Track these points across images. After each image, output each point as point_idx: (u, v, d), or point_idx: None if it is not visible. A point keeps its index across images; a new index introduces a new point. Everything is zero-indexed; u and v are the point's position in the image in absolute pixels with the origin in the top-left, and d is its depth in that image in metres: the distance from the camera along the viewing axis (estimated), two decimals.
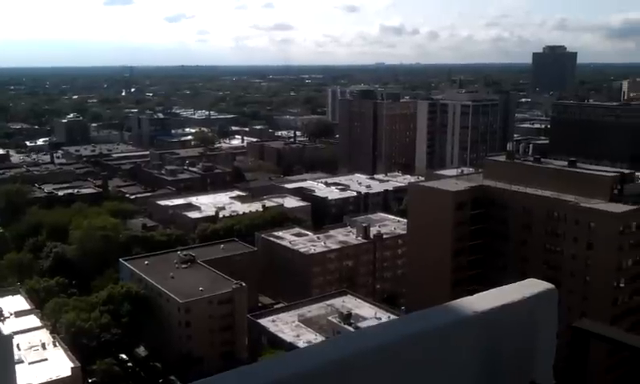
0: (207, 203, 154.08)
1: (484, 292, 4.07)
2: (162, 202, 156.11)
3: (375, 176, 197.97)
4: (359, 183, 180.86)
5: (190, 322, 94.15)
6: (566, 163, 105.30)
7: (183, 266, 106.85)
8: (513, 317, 3.91)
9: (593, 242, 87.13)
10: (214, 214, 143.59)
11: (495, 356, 3.80)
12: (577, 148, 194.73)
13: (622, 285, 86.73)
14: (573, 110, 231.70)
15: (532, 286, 4.16)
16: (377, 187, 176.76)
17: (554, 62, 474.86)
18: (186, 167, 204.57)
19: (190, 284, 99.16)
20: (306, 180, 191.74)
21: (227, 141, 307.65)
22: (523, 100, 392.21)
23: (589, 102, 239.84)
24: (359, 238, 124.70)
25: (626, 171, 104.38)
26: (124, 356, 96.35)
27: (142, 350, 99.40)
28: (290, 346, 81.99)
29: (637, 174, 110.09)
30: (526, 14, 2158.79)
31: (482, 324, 3.74)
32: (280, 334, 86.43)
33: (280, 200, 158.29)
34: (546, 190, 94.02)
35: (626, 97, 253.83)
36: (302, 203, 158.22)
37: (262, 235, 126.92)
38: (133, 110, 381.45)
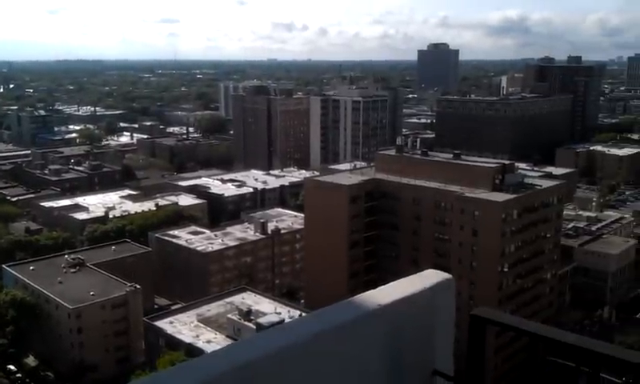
0: (96, 203, 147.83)
1: (386, 285, 4.14)
2: (47, 204, 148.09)
3: (271, 172, 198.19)
4: (255, 179, 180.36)
5: (82, 329, 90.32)
6: (451, 156, 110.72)
7: (72, 270, 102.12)
8: (414, 308, 3.98)
9: (478, 229, 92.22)
10: (103, 214, 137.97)
11: (399, 347, 3.85)
12: (461, 141, 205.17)
13: (505, 269, 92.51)
14: (456, 105, 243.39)
15: (431, 277, 4.26)
16: (273, 183, 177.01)
17: (437, 59, 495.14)
18: (71, 166, 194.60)
19: (80, 289, 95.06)
20: (200, 177, 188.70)
21: (115, 138, 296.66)
22: (410, 96, 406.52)
23: (471, 98, 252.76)
24: (257, 234, 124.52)
25: (507, 162, 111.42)
26: (12, 367, 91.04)
27: (31, 360, 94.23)
28: (189, 347, 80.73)
29: (516, 164, 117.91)
30: (410, 11, 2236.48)
31: (386, 317, 3.77)
32: (178, 336, 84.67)
33: (174, 198, 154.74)
34: (434, 182, 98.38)
35: (505, 92, 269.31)
36: (197, 201, 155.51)
37: (156, 235, 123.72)
38: (12, 108, 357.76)
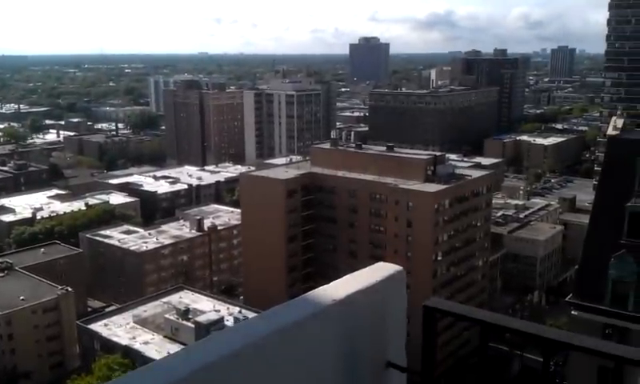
0: (22, 204, 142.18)
1: (339, 279, 4.12)
2: None
3: (206, 167, 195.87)
4: (189, 175, 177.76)
5: (13, 335, 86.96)
6: (384, 148, 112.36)
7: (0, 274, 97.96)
8: (367, 301, 3.98)
9: (412, 220, 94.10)
10: (30, 215, 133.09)
11: (354, 341, 3.87)
12: (393, 133, 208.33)
13: (439, 258, 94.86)
14: (388, 98, 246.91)
15: (382, 269, 4.26)
16: (208, 179, 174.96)
17: (369, 53, 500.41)
18: None
19: (9, 294, 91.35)
20: (132, 174, 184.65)
21: (41, 136, 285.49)
22: (343, 89, 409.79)
23: (402, 91, 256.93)
24: (193, 232, 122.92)
25: (438, 153, 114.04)
26: None
27: None
28: (126, 349, 79.05)
29: (447, 155, 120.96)
30: (341, 4, 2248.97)
31: (340, 311, 3.77)
32: (114, 338, 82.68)
33: (105, 197, 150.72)
34: (368, 174, 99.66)
35: (434, 84, 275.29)
36: (129, 199, 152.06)
37: (87, 235, 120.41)
38: None
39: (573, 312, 39.08)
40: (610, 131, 43.21)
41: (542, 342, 3.23)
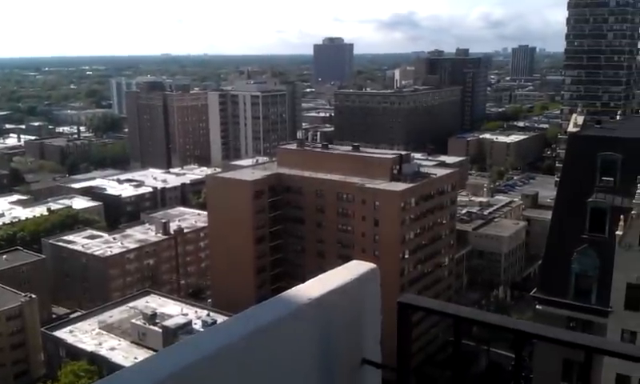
0: None
1: (314, 278, 4.08)
2: None
3: (171, 170, 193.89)
4: (154, 178, 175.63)
5: None
6: (350, 148, 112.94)
7: None
8: (343, 299, 3.98)
9: (379, 219, 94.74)
10: None
11: (330, 340, 3.87)
12: (359, 133, 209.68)
13: (406, 256, 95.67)
14: (353, 98, 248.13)
15: (356, 267, 4.26)
16: (173, 181, 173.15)
17: (333, 53, 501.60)
18: None
19: None
20: (95, 178, 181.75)
21: (1, 140, 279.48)
22: (308, 90, 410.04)
23: (367, 91, 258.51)
24: (159, 235, 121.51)
25: (403, 152, 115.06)
26: None
27: None
28: (92, 356, 77.80)
29: (412, 154, 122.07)
30: (305, 5, 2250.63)
31: (316, 310, 3.75)
32: (80, 345, 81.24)
33: (68, 201, 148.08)
34: (335, 174, 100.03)
35: (398, 84, 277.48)
36: (92, 203, 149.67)
37: (50, 241, 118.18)
38: None
39: (537, 306, 39.86)
40: (571, 128, 44.21)
41: (516, 335, 3.31)
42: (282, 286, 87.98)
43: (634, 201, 35.92)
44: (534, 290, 41.30)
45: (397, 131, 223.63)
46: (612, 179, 38.72)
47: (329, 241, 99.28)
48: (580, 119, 44.81)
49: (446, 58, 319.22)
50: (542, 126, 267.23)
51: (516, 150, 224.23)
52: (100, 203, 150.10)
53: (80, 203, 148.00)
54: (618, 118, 58.71)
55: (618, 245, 35.79)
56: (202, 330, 64.32)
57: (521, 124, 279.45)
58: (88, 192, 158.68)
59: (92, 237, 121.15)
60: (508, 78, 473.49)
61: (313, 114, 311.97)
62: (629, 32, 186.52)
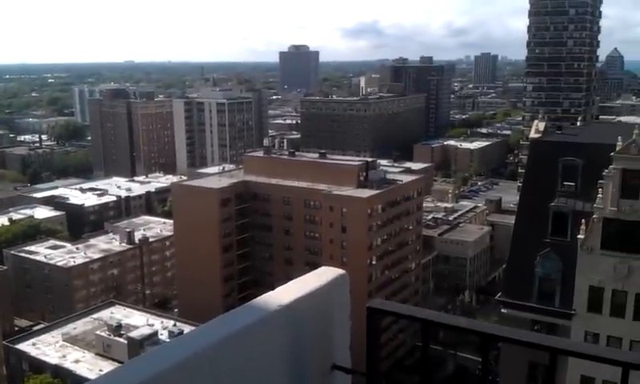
0: None
1: (285, 285, 4.05)
2: None
3: (135, 178, 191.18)
4: (118, 187, 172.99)
5: None
6: (317, 155, 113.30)
7: None
8: (313, 305, 3.96)
9: (346, 225, 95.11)
10: None
11: (300, 346, 3.84)
12: (326, 140, 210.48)
13: (374, 262, 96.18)
14: (319, 105, 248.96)
15: (326, 273, 4.23)
16: (138, 189, 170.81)
17: (298, 61, 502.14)
18: None
19: None
20: (57, 187, 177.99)
21: None
22: (274, 97, 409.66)
23: (333, 98, 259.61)
24: (123, 245, 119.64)
25: (369, 159, 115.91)
26: None
27: None
28: (56, 369, 76.17)
29: (378, 161, 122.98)
30: (270, 13, 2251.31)
31: (286, 317, 3.73)
32: (43, 357, 79.47)
33: (29, 211, 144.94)
34: (302, 181, 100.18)
35: (364, 92, 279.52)
36: (55, 213, 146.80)
37: (12, 252, 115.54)
38: None
39: (502, 310, 40.42)
40: (533, 134, 45.11)
41: (483, 338, 3.37)
42: (250, 294, 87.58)
43: (594, 205, 36.79)
44: (498, 294, 41.89)
45: (363, 138, 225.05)
46: (573, 184, 39.58)
47: (297, 248, 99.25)
48: (541, 125, 45.76)
49: (410, 65, 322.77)
50: (504, 132, 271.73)
51: (480, 157, 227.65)
52: (63, 213, 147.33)
53: (42, 213, 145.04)
54: (578, 124, 60.16)
55: (580, 248, 36.59)
56: (168, 340, 63.73)
57: (484, 130, 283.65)
58: (50, 202, 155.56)
59: (55, 247, 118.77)
60: (471, 86, 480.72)
61: (279, 121, 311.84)
62: (588, 40, 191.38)
